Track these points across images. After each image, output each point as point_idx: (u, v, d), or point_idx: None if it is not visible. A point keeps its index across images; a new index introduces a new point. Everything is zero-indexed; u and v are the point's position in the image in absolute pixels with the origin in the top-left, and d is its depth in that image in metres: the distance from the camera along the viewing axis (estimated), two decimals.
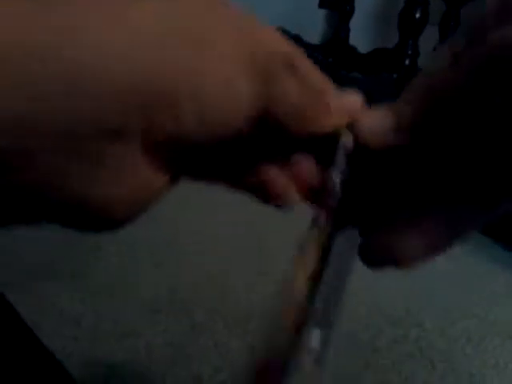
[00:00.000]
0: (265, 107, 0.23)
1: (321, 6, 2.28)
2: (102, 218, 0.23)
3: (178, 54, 0.21)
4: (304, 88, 0.24)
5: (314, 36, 2.40)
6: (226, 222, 1.39)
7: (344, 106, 0.26)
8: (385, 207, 0.29)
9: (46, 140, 0.19)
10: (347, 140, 0.27)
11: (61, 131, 0.19)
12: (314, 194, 0.28)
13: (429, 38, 1.88)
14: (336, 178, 0.27)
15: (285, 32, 1.89)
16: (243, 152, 0.26)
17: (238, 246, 1.28)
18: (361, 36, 2.28)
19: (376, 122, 0.25)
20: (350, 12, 2.19)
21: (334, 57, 2.16)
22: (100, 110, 0.19)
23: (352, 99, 0.27)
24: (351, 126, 0.26)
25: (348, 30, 2.24)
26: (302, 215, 1.34)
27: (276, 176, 0.27)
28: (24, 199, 0.21)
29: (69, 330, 0.91)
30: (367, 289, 1.19)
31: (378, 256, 0.29)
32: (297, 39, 2.07)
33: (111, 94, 0.19)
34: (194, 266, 1.16)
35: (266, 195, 0.27)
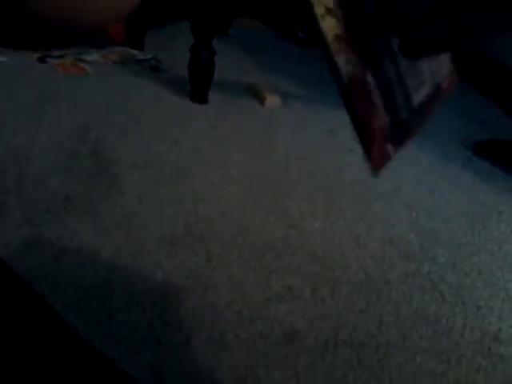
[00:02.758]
0: None
1: None
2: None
3: None
4: None
5: None
6: (243, 160, 1.40)
7: None
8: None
9: None
10: None
11: None
12: None
13: None
14: None
15: None
16: None
17: (255, 183, 1.29)
18: None
19: None
20: None
21: None
22: None
23: None
24: None
25: None
26: (316, 158, 1.32)
27: None
28: None
29: (88, 262, 0.94)
30: (381, 224, 1.20)
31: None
32: None
33: None
34: (210, 203, 1.18)
35: None
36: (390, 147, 0.33)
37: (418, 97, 0.35)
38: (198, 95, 1.68)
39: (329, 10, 0.28)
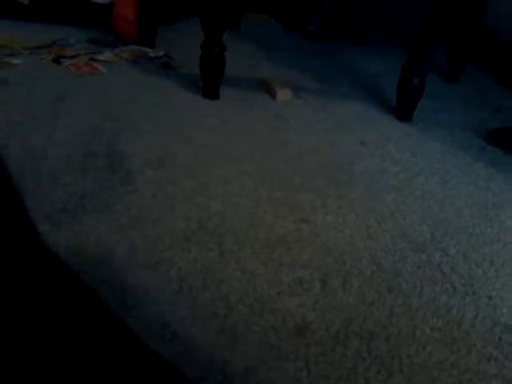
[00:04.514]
0: None
1: None
2: None
3: None
4: None
5: None
6: (254, 154, 1.41)
7: None
8: None
9: None
10: None
11: None
12: None
13: None
14: None
15: None
16: None
17: (266, 177, 1.30)
18: None
19: None
20: None
21: None
22: None
23: None
24: None
25: None
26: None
27: None
28: None
29: (104, 259, 0.97)
30: (392, 215, 1.21)
31: None
32: None
33: None
34: (222, 198, 1.20)
35: None
36: None
37: None
38: (210, 91, 1.70)
39: None
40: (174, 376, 0.77)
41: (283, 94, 1.77)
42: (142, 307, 0.88)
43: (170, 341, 0.82)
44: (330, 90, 1.89)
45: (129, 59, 1.93)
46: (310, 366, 0.80)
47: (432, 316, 0.93)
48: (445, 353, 0.86)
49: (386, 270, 1.03)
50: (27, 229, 1.02)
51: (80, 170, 1.24)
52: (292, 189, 1.26)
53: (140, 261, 0.98)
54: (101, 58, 1.88)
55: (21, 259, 0.94)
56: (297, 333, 0.86)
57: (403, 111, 1.71)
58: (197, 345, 0.82)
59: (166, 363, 0.78)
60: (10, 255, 0.93)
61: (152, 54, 1.99)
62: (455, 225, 1.20)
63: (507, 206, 1.31)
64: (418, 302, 0.96)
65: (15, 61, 1.78)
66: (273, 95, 1.77)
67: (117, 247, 1.01)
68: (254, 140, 1.48)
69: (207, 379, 0.77)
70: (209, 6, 1.58)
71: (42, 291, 0.88)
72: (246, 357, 0.81)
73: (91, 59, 1.86)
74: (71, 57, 1.86)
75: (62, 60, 1.82)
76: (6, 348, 0.76)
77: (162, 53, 2.00)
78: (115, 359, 0.78)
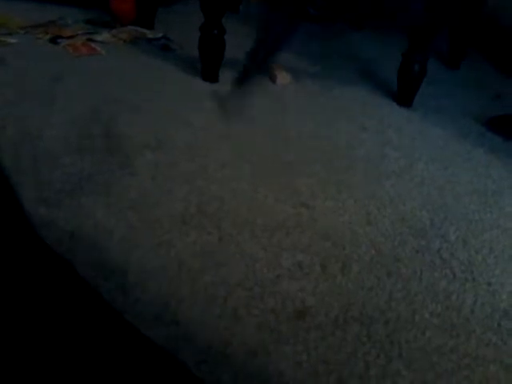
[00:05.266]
0: None
1: None
2: None
3: None
4: None
5: None
6: (254, 138, 1.40)
7: None
8: None
9: None
10: None
11: None
12: None
13: None
14: None
15: None
16: None
17: (266, 162, 1.29)
18: None
19: None
20: None
21: None
22: None
23: None
24: None
25: None
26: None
27: None
28: None
29: (103, 241, 0.96)
30: (392, 201, 1.20)
31: None
32: None
33: None
34: (222, 181, 1.19)
35: None
36: None
37: None
38: (209, 74, 1.68)
39: None
40: (173, 365, 0.77)
41: (283, 78, 1.75)
42: (142, 290, 0.87)
43: (169, 323, 0.82)
44: (330, 74, 1.88)
45: (127, 40, 1.90)
46: (309, 350, 0.80)
47: (431, 301, 0.93)
48: (444, 338, 0.86)
49: (386, 255, 1.03)
50: (21, 220, 1.01)
51: (78, 151, 1.23)
52: (291, 173, 1.25)
53: (139, 243, 0.97)
54: (99, 38, 1.86)
55: (15, 249, 0.93)
56: (296, 316, 0.86)
57: (404, 97, 1.69)
58: (197, 328, 0.82)
59: (165, 352, 0.78)
60: (5, 246, 0.92)
61: (150, 36, 1.96)
62: (455, 211, 1.20)
63: (507, 192, 1.30)
64: (418, 287, 0.96)
65: (12, 40, 1.76)
66: (273, 79, 1.76)
67: (115, 229, 1.00)
68: (254, 123, 1.47)
69: (207, 362, 0.77)
70: None
71: (35, 280, 0.87)
72: (246, 340, 0.81)
73: (89, 40, 1.84)
74: (68, 37, 1.83)
75: (58, 40, 1.80)
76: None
77: (160, 34, 1.98)
78: (113, 351, 0.77)
